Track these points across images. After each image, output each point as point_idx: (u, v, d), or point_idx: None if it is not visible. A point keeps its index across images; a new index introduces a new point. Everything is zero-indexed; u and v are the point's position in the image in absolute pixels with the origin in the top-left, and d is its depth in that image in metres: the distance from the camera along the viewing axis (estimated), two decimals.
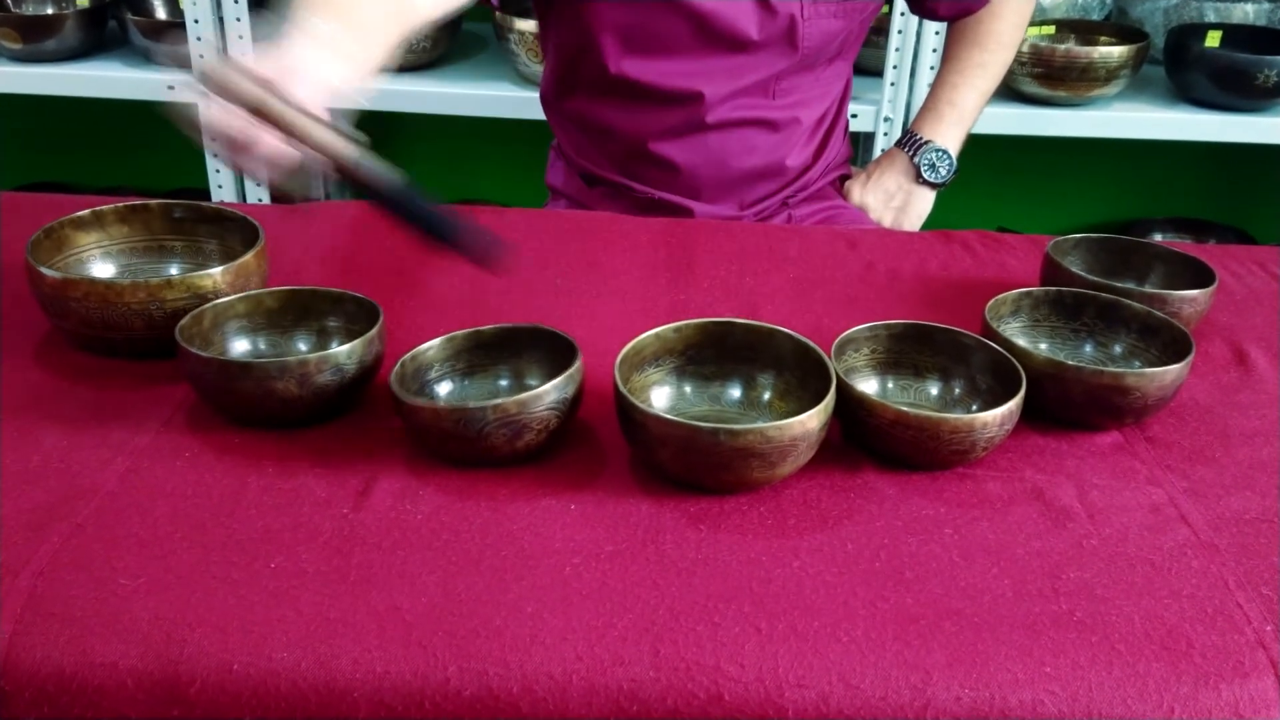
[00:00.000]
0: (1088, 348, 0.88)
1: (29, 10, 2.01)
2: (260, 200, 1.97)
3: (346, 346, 0.75)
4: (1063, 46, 1.83)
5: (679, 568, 0.65)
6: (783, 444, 0.68)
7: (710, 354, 0.80)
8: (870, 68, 1.86)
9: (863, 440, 0.76)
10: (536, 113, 1.87)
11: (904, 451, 0.73)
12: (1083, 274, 0.92)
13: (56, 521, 0.66)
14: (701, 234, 1.11)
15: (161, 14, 2.03)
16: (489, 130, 2.14)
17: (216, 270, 0.82)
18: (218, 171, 1.94)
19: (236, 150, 0.79)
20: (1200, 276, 0.93)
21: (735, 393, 0.79)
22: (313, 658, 0.58)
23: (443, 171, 2.48)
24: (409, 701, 0.57)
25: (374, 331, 0.77)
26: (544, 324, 0.79)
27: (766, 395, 0.79)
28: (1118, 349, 0.86)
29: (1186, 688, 0.58)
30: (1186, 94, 1.91)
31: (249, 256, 0.85)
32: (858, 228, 1.25)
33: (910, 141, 1.35)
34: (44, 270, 0.81)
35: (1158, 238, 2.31)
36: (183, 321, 0.77)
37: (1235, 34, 1.92)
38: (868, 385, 0.81)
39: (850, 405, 0.74)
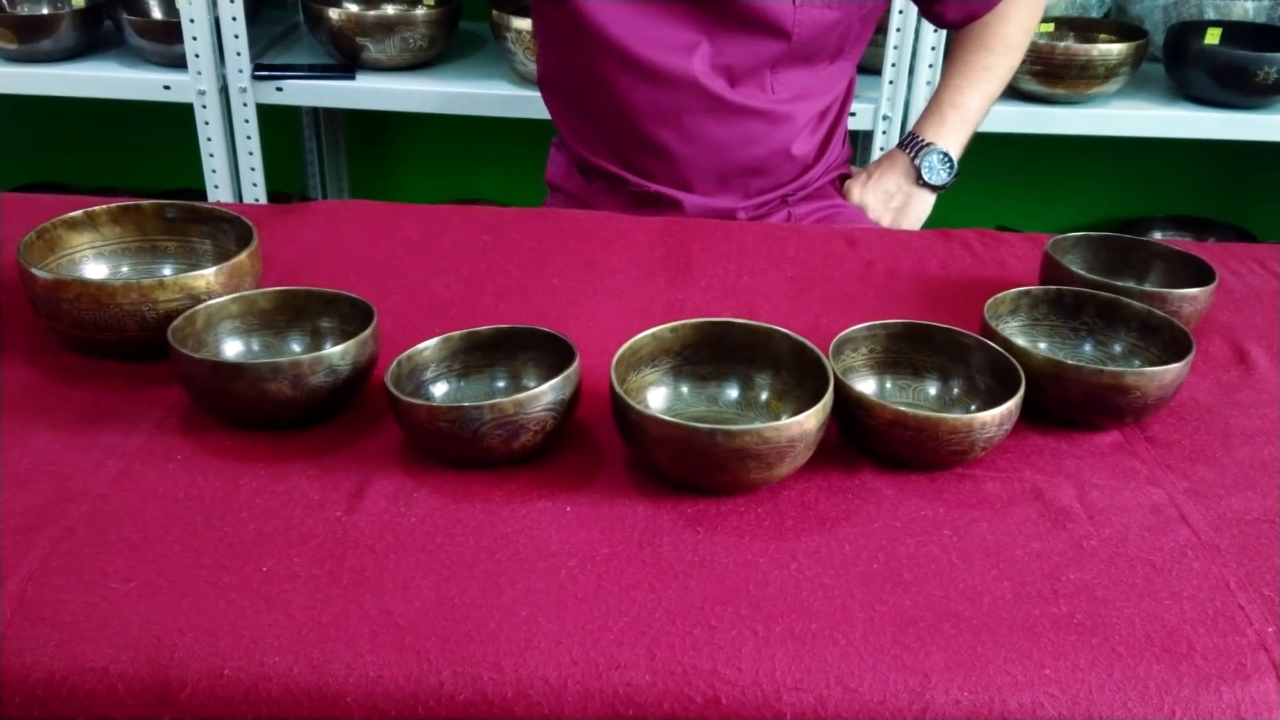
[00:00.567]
0: (1087, 347, 0.87)
1: (24, 10, 2.01)
2: (256, 200, 1.97)
3: (340, 347, 0.74)
4: (1062, 44, 1.83)
5: (676, 570, 0.64)
6: (780, 445, 0.67)
7: (707, 354, 0.79)
8: (869, 66, 1.86)
9: (861, 441, 0.75)
10: (534, 111, 1.87)
11: (902, 452, 0.73)
12: (1082, 272, 0.91)
13: (47, 525, 0.66)
14: (699, 233, 1.10)
15: (157, 14, 2.03)
16: (487, 129, 2.14)
17: (209, 271, 0.82)
18: (214, 172, 1.94)
19: None
20: (1200, 275, 0.93)
21: (733, 393, 0.79)
22: (305, 662, 0.57)
23: (440, 170, 2.47)
24: (402, 706, 0.56)
25: (368, 332, 0.77)
26: (540, 325, 0.79)
27: (764, 396, 0.78)
28: (1117, 348, 0.86)
29: (1188, 690, 0.58)
30: (1186, 91, 1.91)
31: (242, 257, 0.84)
32: (856, 226, 1.24)
33: (912, 143, 1.34)
34: (36, 271, 0.80)
35: (1157, 235, 2.31)
36: (175, 323, 0.77)
37: (1235, 31, 1.91)
38: (866, 385, 0.81)
39: (848, 405, 0.73)
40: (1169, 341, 0.83)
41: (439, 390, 0.78)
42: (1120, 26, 1.97)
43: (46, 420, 0.76)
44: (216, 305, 0.80)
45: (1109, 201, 2.42)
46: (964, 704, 0.57)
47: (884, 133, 1.89)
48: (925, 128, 1.34)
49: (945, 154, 1.33)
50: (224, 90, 1.89)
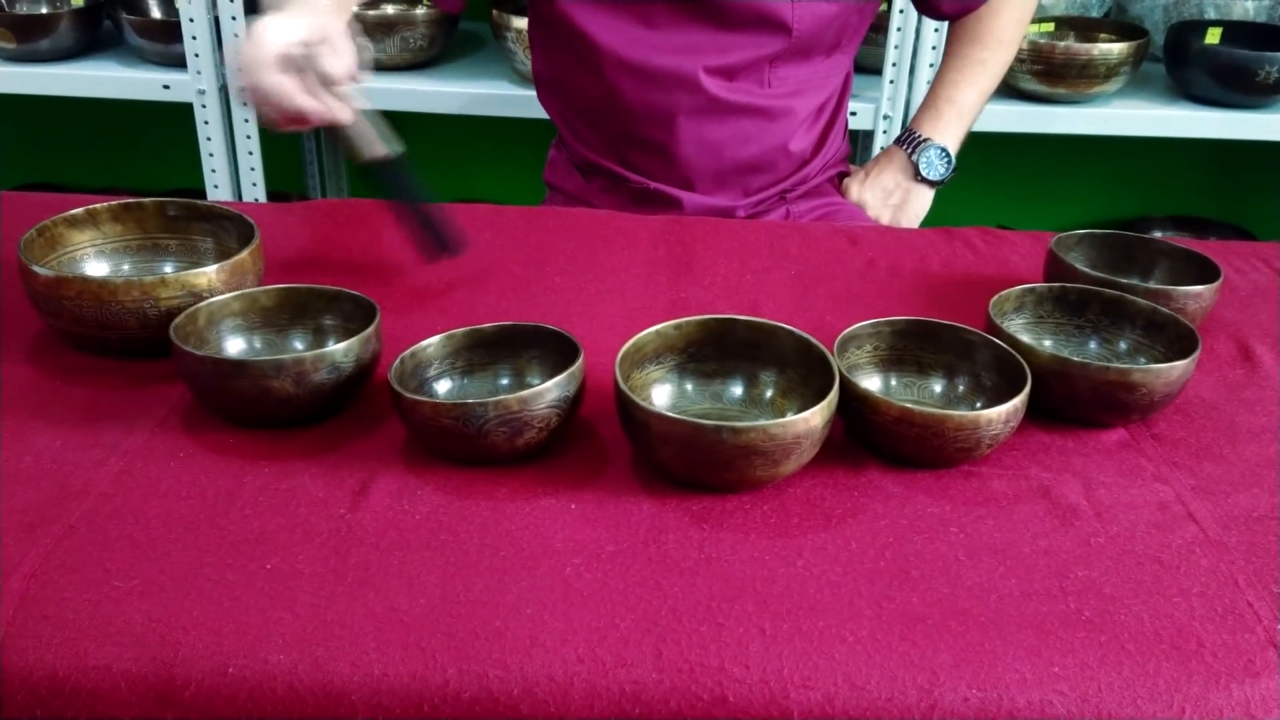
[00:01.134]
0: (1092, 344, 0.87)
1: (23, 10, 2.00)
2: (256, 200, 1.96)
3: (343, 345, 0.74)
4: (1062, 44, 1.82)
5: (682, 568, 0.64)
6: (786, 442, 0.67)
7: (712, 351, 0.79)
8: (869, 66, 1.86)
9: (866, 438, 0.75)
10: (534, 111, 1.86)
11: (908, 449, 0.72)
12: (1086, 270, 0.91)
13: (49, 523, 0.65)
14: (701, 231, 1.10)
15: (156, 13, 2.02)
16: (487, 129, 2.13)
17: (211, 268, 0.81)
18: (214, 172, 1.93)
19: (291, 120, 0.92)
20: (1204, 272, 0.92)
21: (737, 390, 0.79)
22: (309, 660, 0.57)
23: (440, 170, 2.47)
24: (407, 704, 0.56)
25: (371, 329, 0.76)
26: (544, 322, 0.78)
27: (769, 393, 0.78)
28: (1122, 345, 0.86)
29: (1197, 688, 0.58)
30: (1186, 91, 1.91)
31: (244, 254, 0.84)
32: (857, 224, 1.24)
33: (909, 139, 1.34)
34: (37, 269, 0.80)
35: (1158, 235, 2.30)
36: (177, 320, 0.76)
37: (1235, 30, 1.91)
38: (871, 382, 0.80)
39: (853, 402, 0.73)
40: (1174, 339, 0.82)
41: (442, 387, 0.78)
42: (1120, 26, 1.97)
43: (48, 418, 0.76)
44: (218, 303, 0.80)
45: (1109, 201, 2.42)
46: (972, 701, 0.56)
47: (884, 132, 1.89)
48: (922, 123, 1.34)
49: (943, 149, 1.32)
50: (224, 90, 1.88)
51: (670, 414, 0.68)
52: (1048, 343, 0.87)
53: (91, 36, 1.93)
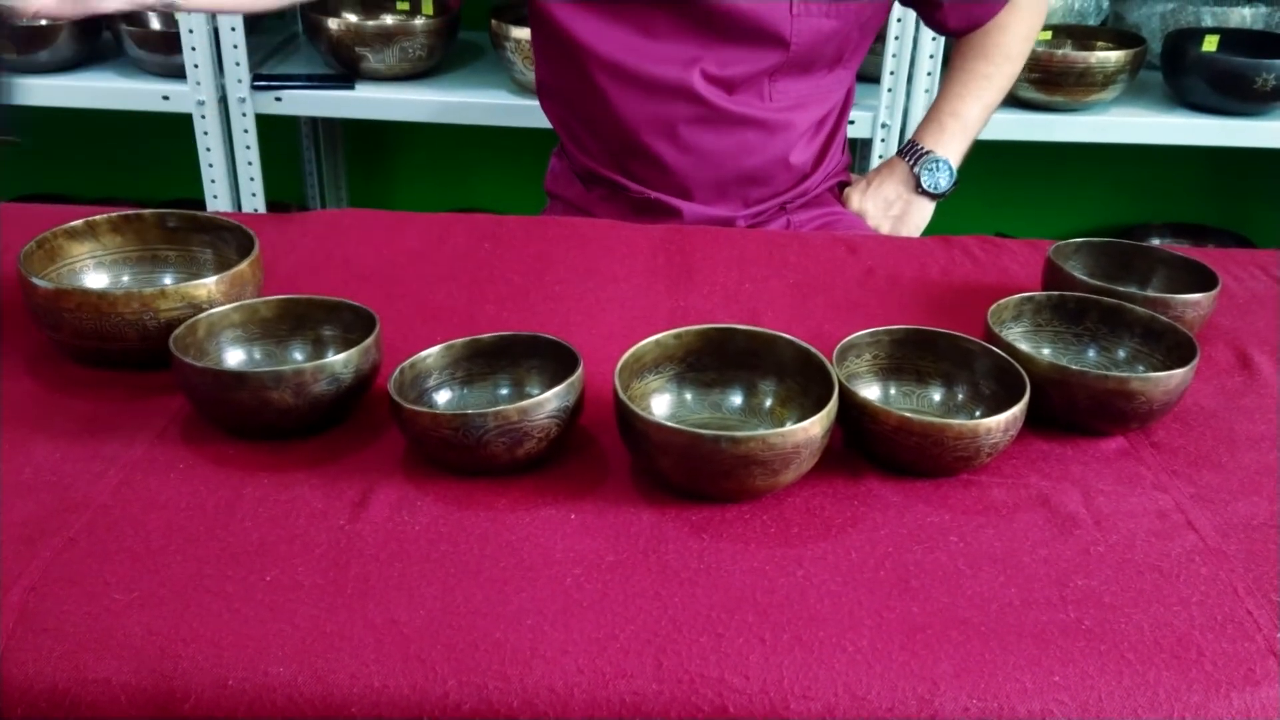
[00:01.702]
0: (1091, 353, 0.87)
1: (23, 21, 2.00)
2: (255, 210, 1.97)
3: (343, 355, 0.74)
4: (1060, 51, 1.83)
5: (681, 578, 0.64)
6: (785, 451, 0.67)
7: (711, 360, 0.79)
8: (868, 75, 1.86)
9: (865, 447, 0.75)
10: (533, 120, 1.87)
11: (907, 458, 0.72)
12: (1085, 278, 0.91)
13: (48, 535, 0.65)
14: (700, 240, 1.10)
15: (156, 25, 2.03)
16: (486, 138, 2.14)
17: (211, 280, 0.81)
18: (213, 182, 1.94)
19: None
20: (1202, 280, 0.92)
21: (736, 400, 0.79)
22: (309, 672, 0.57)
23: (439, 180, 2.47)
24: (407, 716, 0.56)
25: (370, 340, 0.76)
26: (542, 332, 0.79)
27: (768, 402, 0.78)
28: (1121, 354, 0.86)
29: (1197, 696, 0.58)
30: (1184, 98, 1.91)
31: (244, 266, 0.84)
32: (857, 233, 1.24)
33: (911, 151, 1.35)
34: (36, 281, 0.80)
35: (1156, 242, 2.30)
36: (177, 331, 0.76)
37: (1233, 38, 1.92)
38: (870, 391, 0.80)
39: (853, 412, 0.73)
40: (1172, 347, 0.83)
41: (442, 398, 0.78)
42: (1118, 34, 1.98)
43: (47, 430, 0.76)
44: (218, 314, 0.80)
45: (1107, 208, 2.43)
46: (973, 711, 0.56)
47: (883, 140, 1.89)
48: (925, 136, 1.34)
49: (945, 162, 1.33)
50: (223, 100, 1.89)
51: (669, 424, 0.68)
52: (1046, 351, 0.87)
53: (91, 48, 1.94)
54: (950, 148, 1.33)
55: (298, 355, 0.82)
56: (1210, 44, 1.89)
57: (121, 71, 1.93)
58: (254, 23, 1.98)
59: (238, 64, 1.85)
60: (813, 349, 0.75)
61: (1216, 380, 0.88)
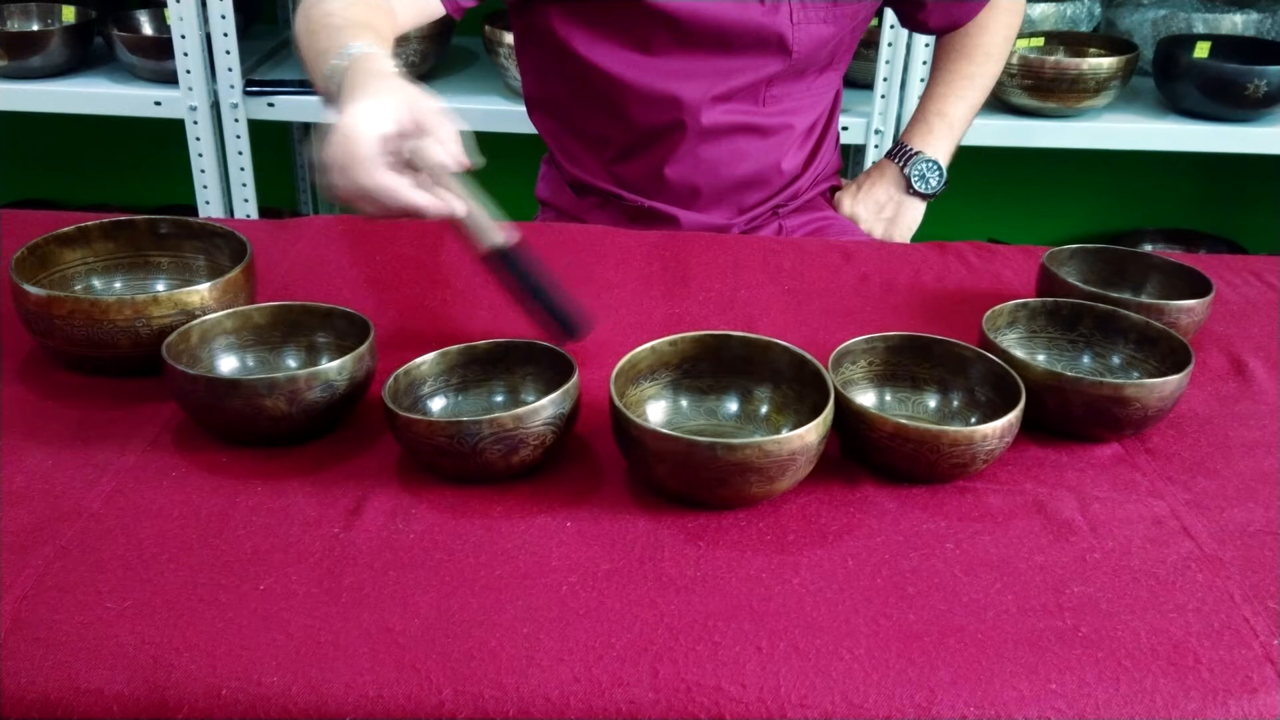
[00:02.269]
0: (1085, 359, 0.87)
1: (14, 27, 2.00)
2: (247, 216, 1.96)
3: (337, 362, 0.74)
4: (1052, 58, 1.83)
5: (678, 586, 0.63)
6: (781, 458, 0.67)
7: (706, 367, 0.79)
8: (860, 80, 1.86)
9: (861, 454, 0.75)
10: (526, 127, 1.86)
11: (903, 465, 0.72)
12: (1079, 284, 0.91)
13: (41, 544, 0.65)
14: (694, 247, 1.10)
15: (148, 30, 2.02)
16: (479, 144, 2.13)
17: (204, 286, 0.81)
18: (205, 188, 1.93)
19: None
20: (1197, 286, 0.92)
21: (732, 406, 0.78)
22: (303, 681, 0.56)
23: None
24: None
25: (365, 347, 0.76)
26: (537, 339, 0.78)
27: (764, 409, 0.78)
28: (1116, 360, 0.86)
29: (1194, 704, 0.57)
30: (1176, 105, 1.92)
31: (237, 272, 0.84)
32: (851, 239, 1.24)
33: (900, 152, 1.35)
34: (28, 288, 0.80)
35: (1148, 248, 2.31)
36: (169, 338, 0.76)
37: (1224, 44, 1.92)
38: (865, 398, 0.80)
39: (848, 418, 0.73)
40: (1167, 353, 0.83)
41: (436, 405, 0.78)
42: (1110, 40, 1.98)
43: (39, 438, 0.75)
44: (211, 321, 0.80)
45: (1100, 214, 2.43)
46: (970, 718, 0.56)
47: (876, 146, 1.89)
48: (913, 137, 1.35)
49: (934, 162, 1.33)
50: (215, 106, 1.88)
51: (665, 431, 0.67)
52: (1041, 357, 0.87)
53: (83, 53, 1.93)
54: (938, 147, 1.33)
55: (291, 362, 0.82)
56: (1202, 50, 1.89)
57: (114, 77, 1.92)
58: (246, 28, 1.97)
59: (230, 69, 1.84)
60: (808, 355, 0.75)
61: (1211, 386, 0.88)
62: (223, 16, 1.80)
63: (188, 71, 1.82)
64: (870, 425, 0.72)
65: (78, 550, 0.65)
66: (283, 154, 2.37)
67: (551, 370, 0.77)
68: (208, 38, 1.82)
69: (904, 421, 0.71)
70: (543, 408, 0.70)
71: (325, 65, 0.90)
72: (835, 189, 1.40)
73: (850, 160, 1.95)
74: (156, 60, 1.85)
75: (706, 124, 1.20)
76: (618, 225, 1.27)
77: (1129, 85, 1.89)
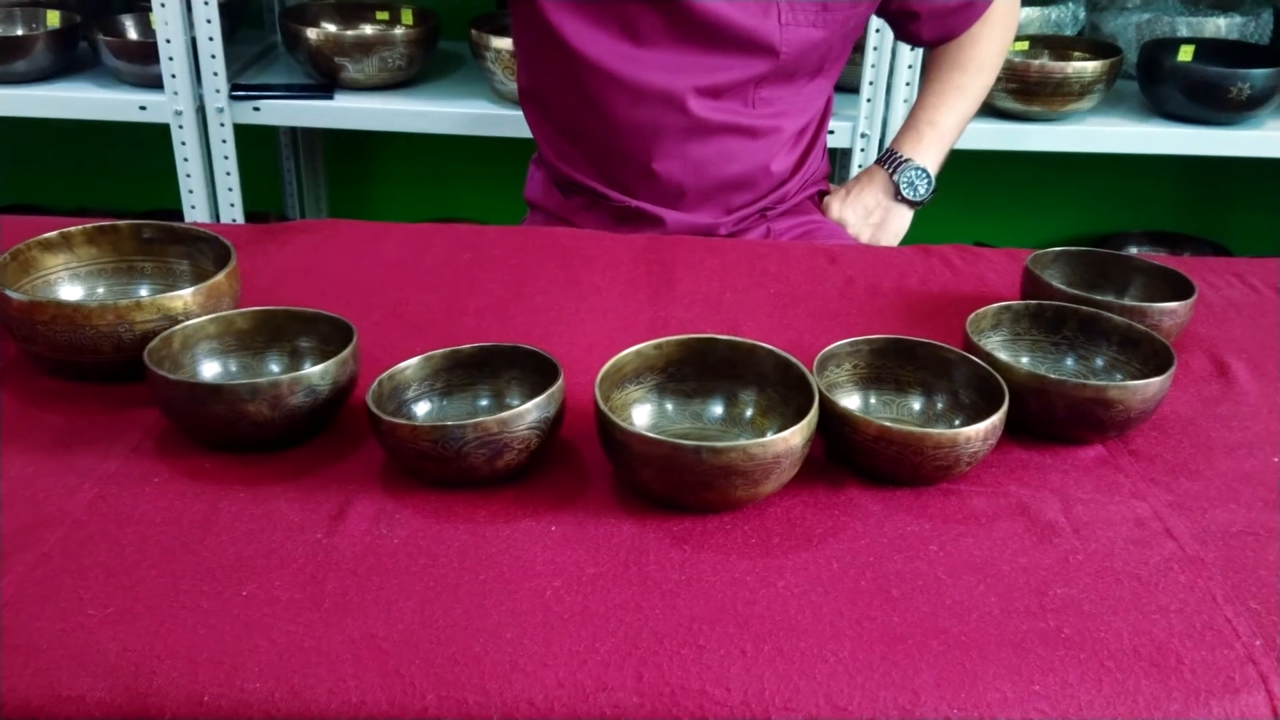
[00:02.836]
0: (1069, 361, 0.87)
1: None
2: (233, 221, 1.96)
3: (320, 367, 0.74)
4: (1037, 62, 1.84)
5: (662, 589, 0.63)
6: (766, 461, 0.67)
7: (691, 371, 0.79)
8: (847, 85, 1.87)
9: (846, 457, 0.75)
10: (513, 130, 1.87)
11: (887, 467, 0.72)
12: (1062, 287, 0.92)
13: (22, 550, 0.64)
14: (681, 250, 1.10)
15: (133, 35, 2.02)
16: (466, 148, 2.13)
17: (187, 291, 0.81)
18: (190, 192, 1.93)
19: None
20: (1179, 289, 0.93)
21: (717, 410, 0.79)
22: (286, 688, 0.56)
23: (420, 189, 2.47)
24: None
25: (348, 351, 0.76)
26: (523, 343, 0.78)
27: (749, 412, 0.78)
28: (1099, 362, 0.86)
29: (1177, 704, 0.58)
30: (1160, 108, 1.93)
31: (220, 277, 0.83)
32: (837, 243, 1.24)
33: (890, 159, 1.35)
34: (10, 293, 0.79)
35: (1133, 251, 2.32)
36: (152, 344, 0.76)
37: (1208, 48, 1.93)
38: (850, 401, 0.80)
39: (833, 421, 0.73)
40: (1149, 355, 0.83)
41: (421, 409, 0.77)
42: (1094, 44, 1.99)
43: (20, 444, 0.75)
44: (194, 326, 0.80)
45: (1085, 217, 2.44)
46: None
47: (862, 150, 1.90)
48: (903, 144, 1.35)
49: (923, 170, 1.33)
50: (201, 110, 1.88)
51: (650, 434, 0.67)
52: (1025, 360, 0.87)
53: (68, 58, 1.93)
54: (928, 156, 1.34)
55: (274, 367, 0.82)
56: (1185, 54, 1.90)
57: (99, 82, 1.92)
58: (232, 32, 1.97)
59: (216, 74, 1.84)
60: (793, 359, 0.75)
61: (1194, 388, 0.88)
62: (208, 21, 1.79)
63: (173, 76, 1.82)
64: (855, 428, 0.72)
65: (59, 557, 0.64)
66: (269, 158, 2.37)
67: (536, 374, 0.77)
68: (193, 42, 1.82)
69: (888, 424, 0.71)
70: (527, 412, 0.70)
71: None
72: (824, 193, 1.40)
73: (836, 164, 1.95)
74: (142, 64, 1.85)
75: (694, 120, 1.20)
76: (605, 226, 1.27)
77: (1113, 89, 1.90)
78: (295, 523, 0.68)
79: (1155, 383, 0.77)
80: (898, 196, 1.35)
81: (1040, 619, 0.62)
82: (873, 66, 1.83)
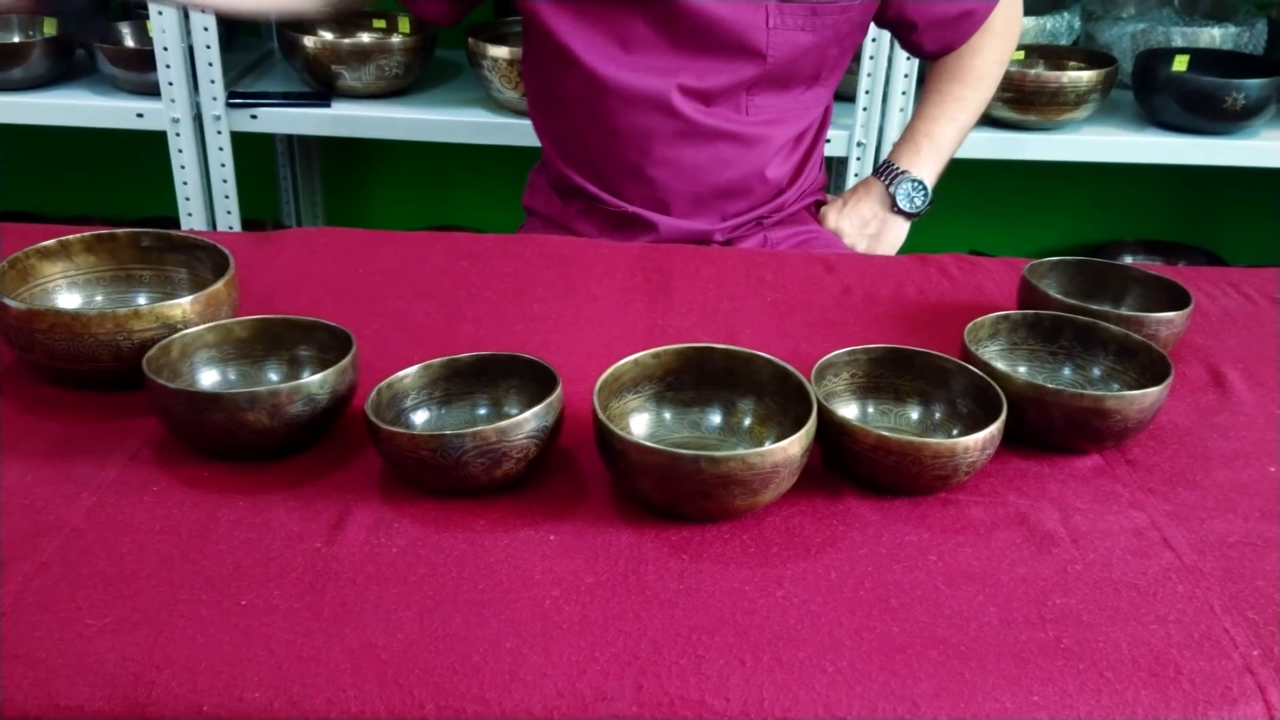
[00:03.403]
0: (1066, 370, 0.87)
1: None
2: (230, 228, 1.96)
3: (319, 376, 0.74)
4: (1033, 71, 1.85)
5: (661, 599, 0.63)
6: (764, 471, 0.67)
7: (689, 380, 0.79)
8: (843, 93, 1.87)
9: (844, 466, 0.75)
10: (510, 138, 1.87)
11: (885, 477, 0.72)
12: (1059, 297, 0.92)
13: (20, 560, 0.64)
14: (678, 258, 1.10)
15: (130, 42, 2.02)
16: (462, 156, 2.14)
17: (185, 300, 0.81)
18: (187, 200, 1.92)
19: None
20: (1176, 298, 0.93)
21: (715, 419, 0.79)
22: (285, 698, 0.56)
23: (416, 197, 2.47)
24: None
25: (347, 360, 0.76)
26: (520, 351, 0.78)
27: (747, 421, 0.78)
28: (1096, 371, 0.86)
29: (1175, 715, 0.58)
30: (1155, 117, 1.93)
31: (219, 285, 0.83)
32: (834, 252, 1.25)
33: (887, 171, 1.36)
34: (8, 302, 0.79)
35: (1128, 260, 2.33)
36: (150, 352, 0.76)
37: (1203, 58, 1.94)
38: (848, 410, 0.80)
39: (831, 431, 0.73)
40: (1147, 365, 0.83)
41: (419, 418, 0.77)
42: (1089, 54, 2.00)
43: (18, 452, 0.75)
44: (192, 334, 0.80)
45: (1080, 226, 2.45)
46: None
47: (858, 159, 1.90)
48: (900, 156, 1.36)
49: (920, 182, 1.34)
50: (198, 118, 1.88)
51: (649, 444, 0.68)
52: (1022, 369, 0.88)
53: (65, 65, 1.92)
54: (925, 168, 1.34)
55: (273, 376, 0.82)
56: (1180, 64, 1.91)
57: (95, 89, 1.91)
58: (229, 40, 1.97)
59: (213, 81, 1.84)
60: (791, 368, 0.75)
61: (1190, 398, 0.89)
62: (205, 28, 1.79)
63: (170, 83, 1.82)
64: (853, 437, 0.72)
65: (57, 566, 0.64)
66: (265, 166, 2.37)
67: (535, 383, 0.77)
68: (190, 49, 1.82)
69: (886, 434, 0.71)
70: (526, 421, 0.70)
71: None
72: (820, 203, 1.41)
73: (832, 173, 1.96)
74: (139, 72, 1.85)
75: (686, 125, 1.21)
76: (602, 231, 1.28)
77: (1109, 98, 1.91)
78: (294, 532, 0.68)
79: (1153, 393, 0.77)
80: (894, 208, 1.35)
81: (1039, 629, 0.62)
82: (869, 76, 1.84)
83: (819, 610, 0.63)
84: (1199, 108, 1.84)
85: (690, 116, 1.21)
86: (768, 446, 0.67)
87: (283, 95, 1.92)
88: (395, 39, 1.95)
